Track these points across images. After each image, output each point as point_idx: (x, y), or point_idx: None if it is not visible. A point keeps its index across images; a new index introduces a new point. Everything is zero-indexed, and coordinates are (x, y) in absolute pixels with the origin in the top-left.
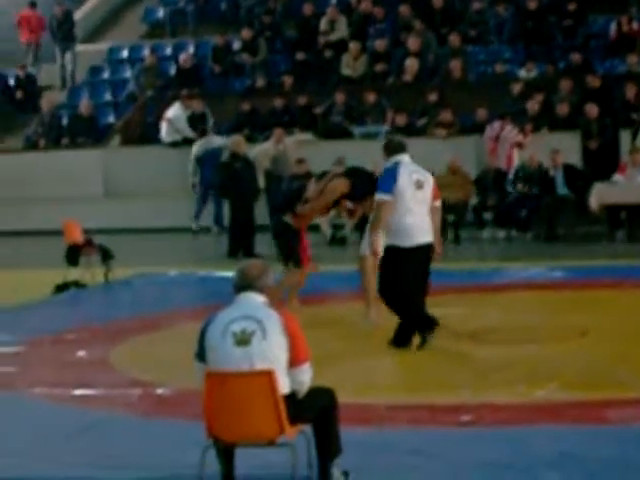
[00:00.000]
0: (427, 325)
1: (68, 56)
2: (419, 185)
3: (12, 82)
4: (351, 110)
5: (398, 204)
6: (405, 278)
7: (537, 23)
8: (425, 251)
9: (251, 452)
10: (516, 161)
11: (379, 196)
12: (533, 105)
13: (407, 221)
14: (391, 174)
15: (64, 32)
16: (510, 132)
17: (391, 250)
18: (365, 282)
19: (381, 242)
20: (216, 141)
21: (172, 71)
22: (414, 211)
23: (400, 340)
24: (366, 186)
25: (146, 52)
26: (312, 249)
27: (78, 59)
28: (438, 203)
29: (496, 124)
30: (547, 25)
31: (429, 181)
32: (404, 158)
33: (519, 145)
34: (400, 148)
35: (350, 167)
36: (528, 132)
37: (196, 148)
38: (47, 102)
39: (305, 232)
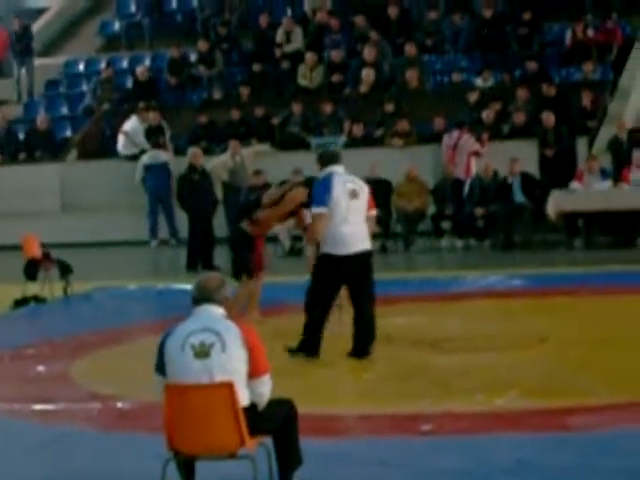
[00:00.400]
0: (310, 346)
1: (24, 70)
2: (354, 194)
3: None
4: (308, 121)
5: (334, 214)
6: (325, 285)
7: (493, 32)
8: (361, 259)
9: (212, 465)
10: (474, 170)
11: (314, 209)
12: (489, 114)
13: (343, 230)
14: (325, 185)
15: (22, 46)
16: (468, 141)
17: (325, 258)
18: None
19: (313, 254)
20: (162, 156)
21: (129, 84)
22: (350, 220)
23: (358, 350)
24: None
25: (102, 65)
26: (271, 259)
27: (35, 73)
28: (373, 212)
29: (454, 133)
30: (503, 34)
31: (364, 190)
32: (338, 169)
33: (477, 154)
34: (333, 159)
35: (310, 176)
36: (485, 141)
37: (145, 157)
38: (2, 117)
39: (262, 241)
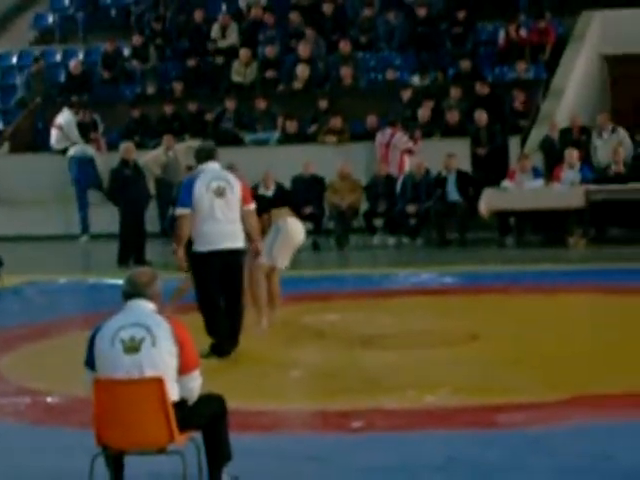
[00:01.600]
0: (218, 347)
1: None
2: (219, 192)
3: None
4: (242, 117)
5: (198, 213)
6: (201, 283)
7: (427, 30)
8: (228, 257)
9: (141, 459)
10: (407, 167)
11: (177, 210)
12: (424, 112)
13: (205, 228)
14: (187, 187)
15: None
16: (401, 139)
17: (193, 256)
18: (255, 290)
19: (182, 254)
20: (89, 151)
21: (62, 78)
22: (215, 217)
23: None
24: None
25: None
26: None
27: None
28: (251, 207)
29: (387, 131)
30: (437, 32)
31: (234, 187)
32: (208, 166)
33: (410, 152)
34: (209, 155)
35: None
36: (418, 139)
37: (72, 150)
38: None
39: None
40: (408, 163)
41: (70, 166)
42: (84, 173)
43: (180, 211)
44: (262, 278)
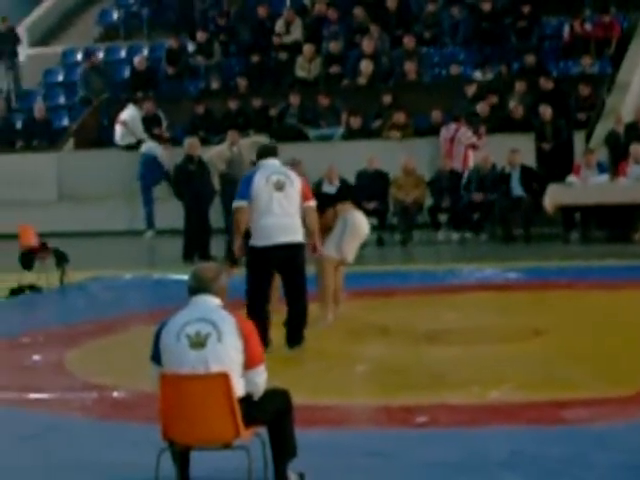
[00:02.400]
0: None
1: (11, 74)
2: (278, 186)
3: None
4: (306, 112)
5: (256, 206)
6: (253, 277)
7: (491, 25)
8: (286, 251)
9: (206, 455)
10: (472, 163)
11: (234, 203)
12: (484, 107)
13: (263, 222)
14: (247, 180)
15: (8, 48)
16: (465, 134)
17: (250, 250)
18: (322, 284)
19: (239, 246)
20: (155, 149)
21: (126, 74)
22: (274, 212)
23: (291, 338)
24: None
25: (101, 55)
26: None
27: (32, 62)
28: (311, 203)
29: (451, 126)
30: (501, 27)
31: (294, 183)
32: (268, 162)
33: (474, 147)
34: (268, 153)
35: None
36: (482, 134)
37: (144, 147)
38: None
39: None
40: (472, 158)
41: (140, 162)
42: (151, 169)
43: (237, 203)
44: (331, 272)
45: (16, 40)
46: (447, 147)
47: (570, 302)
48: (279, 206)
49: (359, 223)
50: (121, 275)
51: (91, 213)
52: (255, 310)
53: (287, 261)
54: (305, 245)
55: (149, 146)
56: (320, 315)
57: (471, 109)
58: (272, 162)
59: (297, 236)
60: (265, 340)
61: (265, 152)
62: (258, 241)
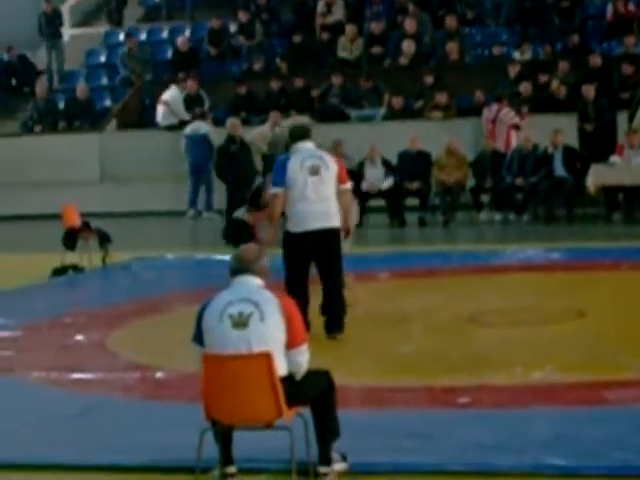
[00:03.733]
0: None
1: (53, 54)
2: (313, 171)
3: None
4: (348, 93)
5: (291, 192)
6: (290, 263)
7: (534, 5)
8: (321, 236)
9: (249, 435)
10: (514, 143)
11: (270, 190)
12: (527, 87)
13: (298, 208)
14: (280, 166)
15: (52, 29)
16: (507, 114)
17: (285, 235)
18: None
19: (274, 233)
20: (203, 128)
21: (169, 55)
22: (308, 197)
23: (331, 325)
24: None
25: (143, 36)
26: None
27: (75, 42)
28: (347, 186)
29: (493, 106)
30: (544, 7)
31: (329, 165)
32: (303, 145)
33: (516, 127)
34: (303, 135)
35: None
36: (525, 114)
37: (187, 129)
38: (41, 87)
39: (259, 230)
40: (515, 138)
41: (188, 141)
42: (196, 150)
43: (273, 190)
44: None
45: (60, 21)
46: (489, 127)
47: (613, 283)
48: (314, 191)
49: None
50: (164, 255)
51: (133, 193)
52: (294, 294)
53: (322, 247)
54: (340, 230)
55: (197, 125)
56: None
57: (514, 89)
58: (306, 145)
59: (332, 221)
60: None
61: (298, 134)
62: (293, 227)
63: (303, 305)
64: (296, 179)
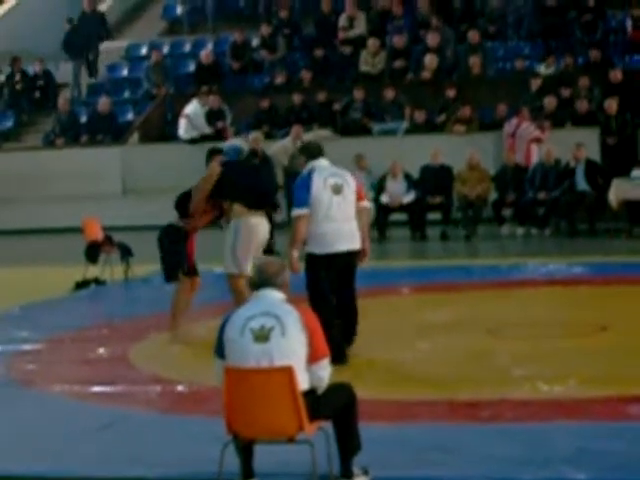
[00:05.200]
0: (336, 353)
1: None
2: (336, 190)
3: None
4: (370, 107)
5: (315, 212)
6: (315, 286)
7: (556, 19)
8: (344, 259)
9: (270, 448)
10: (535, 157)
11: (294, 211)
12: (551, 101)
13: (324, 229)
14: (304, 185)
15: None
16: (527, 128)
17: (309, 258)
18: (238, 303)
19: (297, 256)
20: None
21: (191, 68)
22: (334, 217)
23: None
24: (234, 188)
25: (165, 49)
26: None
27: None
28: (365, 204)
29: (513, 120)
30: (566, 21)
31: (349, 183)
32: (320, 163)
33: (538, 140)
34: (316, 153)
35: (229, 161)
36: (546, 128)
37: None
38: (63, 100)
39: (194, 237)
40: (536, 152)
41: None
42: None
43: (298, 212)
44: (243, 289)
45: (104, 28)
46: (510, 142)
47: (635, 297)
48: (339, 211)
49: (252, 229)
50: None
51: (155, 207)
52: (322, 313)
53: (346, 269)
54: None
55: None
56: None
57: (536, 103)
58: (324, 163)
59: (356, 243)
60: (341, 354)
61: (315, 152)
62: (318, 248)
63: (330, 323)
64: (320, 198)
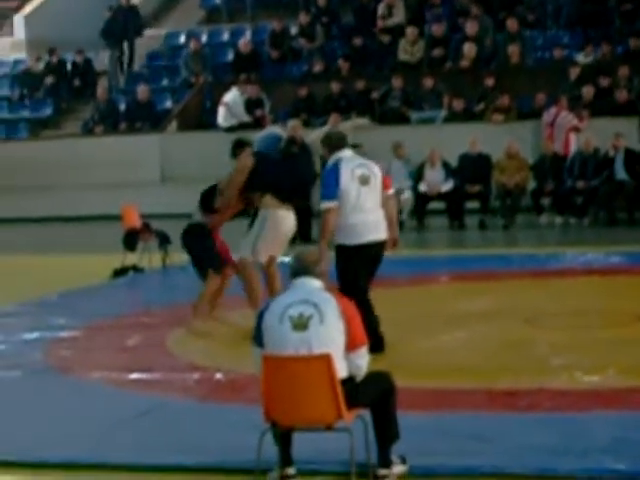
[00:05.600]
0: (373, 343)
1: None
2: (364, 180)
3: (69, 67)
4: (408, 95)
5: (344, 204)
6: (349, 278)
7: (595, 7)
8: (374, 249)
9: (309, 436)
10: (573, 146)
11: (323, 204)
12: (589, 90)
13: (353, 220)
14: (332, 176)
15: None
16: (565, 117)
17: (339, 249)
18: (249, 288)
19: (327, 250)
20: (276, 131)
21: (229, 56)
22: (362, 208)
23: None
24: (266, 180)
25: (204, 37)
26: None
27: (136, 44)
28: (390, 192)
29: (552, 109)
30: (605, 9)
31: (375, 173)
32: (345, 154)
33: (576, 129)
34: (340, 143)
35: (259, 152)
36: (584, 117)
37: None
38: (102, 88)
39: (218, 232)
40: (575, 141)
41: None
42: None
43: (328, 204)
44: (253, 275)
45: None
46: (548, 131)
47: None
48: (367, 201)
49: (279, 221)
50: None
51: (193, 194)
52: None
53: (376, 259)
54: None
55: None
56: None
57: (574, 92)
58: (349, 153)
59: (383, 232)
60: (379, 343)
61: (339, 143)
62: (348, 239)
63: (369, 320)
64: (348, 190)
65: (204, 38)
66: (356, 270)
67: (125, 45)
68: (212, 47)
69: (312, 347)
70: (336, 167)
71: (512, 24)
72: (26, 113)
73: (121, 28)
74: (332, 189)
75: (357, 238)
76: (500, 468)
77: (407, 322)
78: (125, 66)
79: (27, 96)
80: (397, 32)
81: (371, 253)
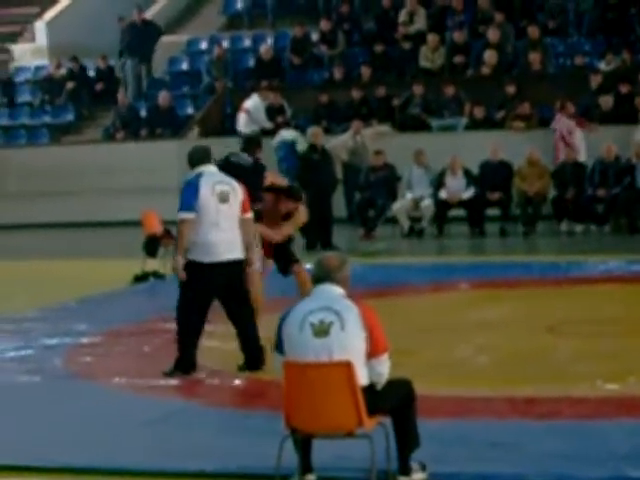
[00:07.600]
0: (184, 364)
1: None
2: (223, 198)
3: (92, 73)
4: (429, 102)
5: (202, 219)
6: (189, 294)
7: (617, 15)
8: (232, 268)
9: (329, 443)
10: (562, 156)
11: (179, 214)
12: (607, 100)
13: (212, 237)
14: (191, 189)
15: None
16: (564, 123)
17: (192, 266)
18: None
19: (182, 262)
20: (286, 134)
21: (250, 63)
22: (220, 226)
23: (251, 364)
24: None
25: (225, 44)
26: (389, 241)
27: (157, 50)
28: (248, 215)
29: (557, 116)
30: (627, 17)
31: (236, 193)
32: (208, 168)
33: (564, 140)
34: (204, 158)
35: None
36: (585, 124)
37: (280, 135)
38: (123, 95)
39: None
40: (562, 150)
41: (277, 149)
42: (286, 157)
43: (184, 215)
44: (258, 280)
45: (155, 31)
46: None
47: None
48: (224, 220)
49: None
50: None
51: None
52: (185, 332)
53: (232, 280)
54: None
55: (288, 133)
56: None
57: (595, 100)
58: (211, 168)
59: (240, 252)
60: (190, 366)
61: (202, 157)
62: (201, 256)
63: (191, 343)
64: (207, 205)
65: (225, 44)
66: (202, 289)
67: (146, 53)
68: (233, 53)
69: (333, 353)
70: (196, 181)
71: (533, 31)
72: (47, 119)
73: (136, 44)
74: (189, 201)
75: (214, 256)
76: (520, 475)
77: (427, 329)
78: (143, 76)
79: (48, 102)
80: (418, 39)
81: (228, 272)
